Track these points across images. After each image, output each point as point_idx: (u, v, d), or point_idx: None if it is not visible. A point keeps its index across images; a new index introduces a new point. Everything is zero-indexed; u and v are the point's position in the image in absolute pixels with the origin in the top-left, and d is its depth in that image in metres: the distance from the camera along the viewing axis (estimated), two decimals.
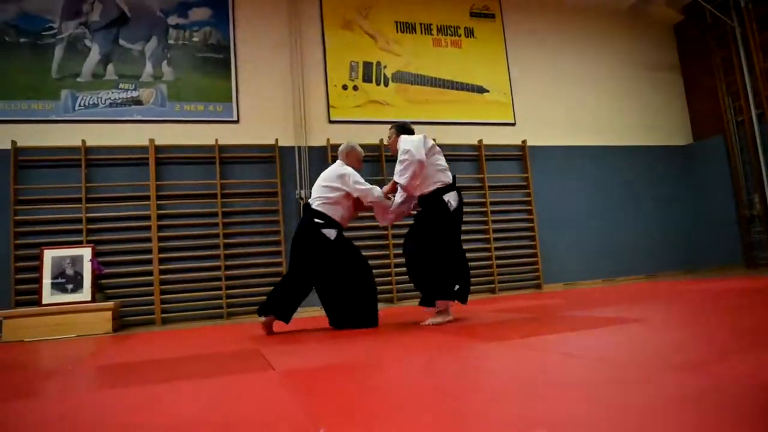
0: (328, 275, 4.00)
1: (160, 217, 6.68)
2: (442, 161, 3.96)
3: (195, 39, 7.23)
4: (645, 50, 9.68)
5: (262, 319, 4.05)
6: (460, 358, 2.53)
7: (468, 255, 7.58)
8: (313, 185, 4.28)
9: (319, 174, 4.26)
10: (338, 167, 4.14)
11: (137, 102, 6.89)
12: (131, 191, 6.67)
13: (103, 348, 4.13)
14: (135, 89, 6.90)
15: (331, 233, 3.96)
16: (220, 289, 6.74)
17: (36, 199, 6.37)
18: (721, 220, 8.89)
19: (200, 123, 7.07)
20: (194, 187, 6.93)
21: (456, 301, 3.93)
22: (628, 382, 1.67)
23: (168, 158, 6.86)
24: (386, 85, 7.97)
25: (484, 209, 7.96)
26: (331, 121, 7.61)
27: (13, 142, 6.32)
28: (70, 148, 6.51)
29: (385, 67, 8.00)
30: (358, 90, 7.83)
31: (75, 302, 5.74)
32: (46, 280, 5.81)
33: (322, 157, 7.13)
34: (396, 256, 7.14)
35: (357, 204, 4.16)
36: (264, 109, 7.35)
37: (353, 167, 4.17)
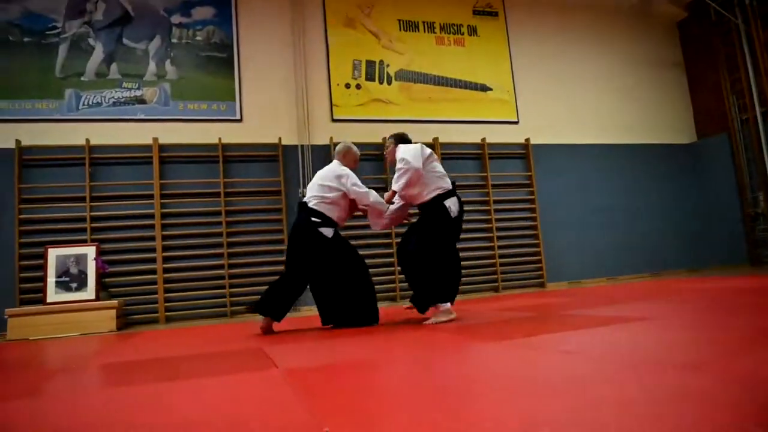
0: (327, 274, 4.00)
1: (163, 215, 6.69)
2: (440, 168, 4.00)
3: (198, 38, 7.24)
4: (648, 48, 9.65)
5: (260, 318, 4.07)
6: (463, 357, 2.53)
7: (471, 253, 7.73)
8: None
9: None
10: (336, 167, 4.15)
11: (141, 101, 6.90)
12: (135, 190, 6.69)
13: (107, 346, 4.14)
14: (138, 88, 6.92)
15: (328, 232, 3.97)
16: (223, 287, 6.75)
17: (40, 198, 6.39)
18: (726, 219, 8.86)
19: (203, 122, 7.08)
20: (198, 185, 6.94)
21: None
22: (630, 382, 1.66)
23: (171, 157, 6.87)
24: (389, 83, 7.96)
25: (488, 207, 7.95)
26: (334, 120, 7.61)
27: (18, 141, 6.34)
28: (74, 147, 6.53)
29: (388, 65, 8.00)
30: (361, 88, 7.83)
31: (79, 301, 5.76)
32: (51, 279, 5.83)
33: (325, 155, 7.13)
34: None
35: (352, 206, 4.17)
36: (267, 107, 7.36)
37: (350, 167, 4.19)
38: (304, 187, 7.10)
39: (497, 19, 8.72)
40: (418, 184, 3.86)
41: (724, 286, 5.17)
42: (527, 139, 8.37)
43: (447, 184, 3.95)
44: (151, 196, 6.67)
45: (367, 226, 7.09)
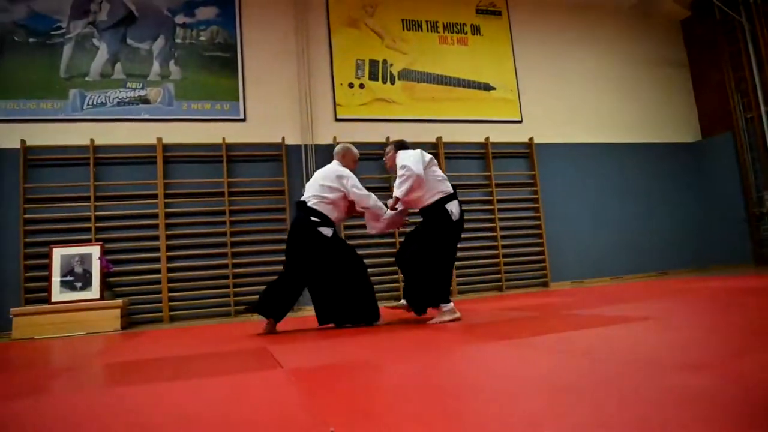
0: (326, 273, 3.99)
1: (167, 215, 6.71)
2: (439, 172, 4.05)
3: (202, 38, 7.26)
4: (652, 46, 9.62)
5: (262, 317, 4.08)
6: (467, 357, 2.53)
7: (475, 253, 7.72)
8: None
9: None
10: (337, 168, 4.16)
11: (145, 101, 6.92)
12: (139, 190, 6.71)
13: (112, 346, 4.16)
14: (143, 88, 6.94)
15: (327, 231, 3.97)
16: (227, 287, 6.76)
17: (45, 197, 6.41)
18: (731, 218, 8.83)
19: (207, 122, 7.10)
20: (202, 185, 6.96)
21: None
22: (632, 382, 1.66)
23: (175, 157, 6.89)
24: (392, 83, 7.96)
25: (491, 207, 7.95)
26: (337, 119, 7.61)
27: (23, 141, 6.36)
28: (79, 147, 6.55)
29: (391, 65, 8.00)
30: (364, 88, 7.83)
31: (84, 300, 5.78)
32: (56, 278, 5.85)
33: (329, 155, 7.04)
34: None
35: (350, 207, 4.18)
36: (271, 107, 7.37)
37: (349, 168, 4.21)
38: None
39: (500, 18, 8.71)
40: (420, 189, 3.89)
41: (728, 286, 5.16)
42: (531, 139, 8.35)
43: (448, 187, 3.99)
44: (155, 196, 6.69)
45: None
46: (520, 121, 8.50)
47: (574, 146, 8.70)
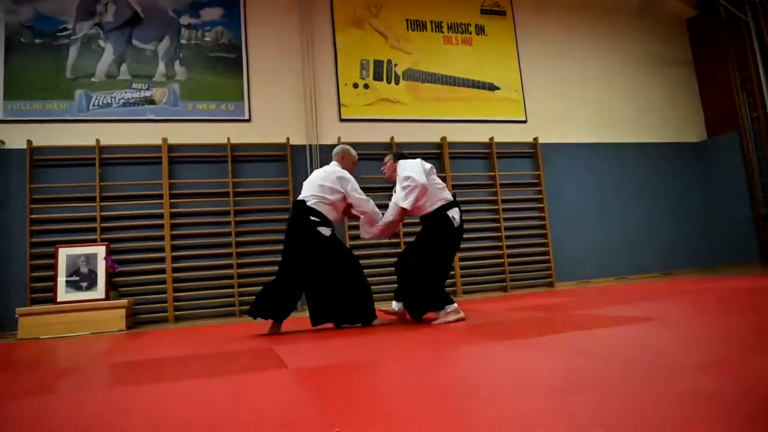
0: (324, 272, 3.97)
1: (173, 215, 6.73)
2: (439, 180, 4.12)
3: (207, 39, 7.28)
4: (657, 46, 9.59)
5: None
6: (472, 357, 2.53)
7: (480, 253, 7.73)
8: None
9: None
10: (337, 169, 4.16)
11: (150, 101, 6.94)
12: (144, 190, 6.73)
13: (117, 346, 4.17)
14: (148, 89, 6.96)
15: (326, 231, 3.97)
16: (232, 287, 6.78)
17: (51, 197, 6.44)
18: (736, 218, 8.79)
19: (212, 122, 7.12)
20: (207, 185, 6.97)
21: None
22: (636, 383, 1.66)
23: (181, 157, 6.91)
24: (397, 83, 7.97)
25: (496, 207, 7.94)
26: (342, 120, 7.62)
27: (29, 142, 6.39)
28: (85, 148, 6.58)
29: (395, 65, 8.00)
30: (368, 88, 7.83)
31: (89, 300, 5.81)
32: (61, 278, 5.88)
33: None
34: None
35: (346, 210, 4.20)
36: (275, 107, 7.38)
37: (348, 169, 4.22)
38: None
39: (505, 18, 8.70)
40: (422, 198, 3.96)
41: (733, 286, 5.13)
42: (535, 138, 8.34)
43: (448, 195, 4.07)
44: (160, 196, 6.71)
45: None
46: (524, 121, 8.48)
47: (578, 146, 8.69)
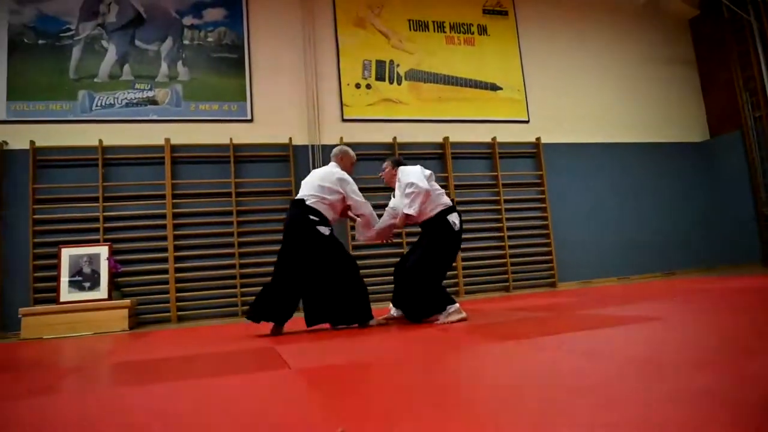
0: (322, 271, 3.96)
1: (175, 215, 6.74)
2: (437, 186, 4.16)
3: (209, 39, 7.29)
4: (660, 45, 9.58)
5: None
6: (474, 357, 2.53)
7: (482, 253, 7.72)
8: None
9: None
10: (336, 170, 4.16)
11: (153, 102, 6.96)
12: (147, 190, 6.75)
13: (120, 346, 4.18)
14: (151, 89, 6.97)
15: (325, 230, 3.97)
16: (234, 287, 6.79)
17: (54, 198, 6.46)
18: (739, 217, 8.78)
19: (215, 122, 7.13)
20: (209, 185, 6.98)
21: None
22: (638, 382, 1.66)
23: (183, 157, 6.92)
24: (399, 83, 7.97)
25: (498, 207, 7.93)
26: (344, 120, 7.62)
27: (32, 142, 6.41)
28: (88, 148, 6.59)
29: (398, 65, 8.00)
30: (371, 88, 7.84)
31: (92, 300, 5.81)
32: (64, 278, 5.89)
33: None
34: None
35: (343, 211, 4.20)
36: (278, 108, 7.39)
37: (346, 170, 4.23)
38: None
39: (507, 18, 8.69)
40: (425, 203, 4.00)
41: (736, 286, 5.13)
42: (538, 138, 8.33)
43: (447, 200, 4.12)
44: (163, 197, 6.72)
45: None
46: (527, 121, 8.48)
47: (581, 146, 8.67)
